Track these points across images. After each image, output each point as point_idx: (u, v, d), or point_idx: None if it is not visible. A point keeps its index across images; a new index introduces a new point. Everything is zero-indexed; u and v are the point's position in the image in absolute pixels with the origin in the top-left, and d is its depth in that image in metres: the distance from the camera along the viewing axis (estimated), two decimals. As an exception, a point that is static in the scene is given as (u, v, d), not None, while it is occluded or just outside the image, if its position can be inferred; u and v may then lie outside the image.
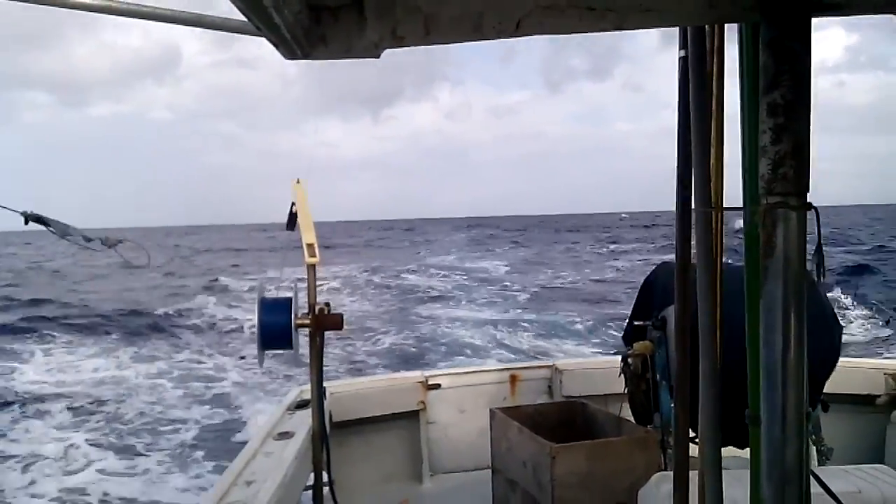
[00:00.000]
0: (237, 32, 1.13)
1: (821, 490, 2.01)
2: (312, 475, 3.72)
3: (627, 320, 4.10)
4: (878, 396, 5.14)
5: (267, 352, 3.36)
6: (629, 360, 3.88)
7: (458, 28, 1.08)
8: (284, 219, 3.46)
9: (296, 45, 1.05)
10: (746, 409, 1.29)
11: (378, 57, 1.15)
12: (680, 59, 1.39)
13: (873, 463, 3.59)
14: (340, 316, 3.41)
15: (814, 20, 1.05)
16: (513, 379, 5.24)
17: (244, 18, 1.02)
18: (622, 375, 3.99)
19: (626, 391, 4.02)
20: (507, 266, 37.10)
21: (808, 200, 1.10)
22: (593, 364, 5.39)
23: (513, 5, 1.06)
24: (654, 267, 4.16)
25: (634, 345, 3.87)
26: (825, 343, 3.60)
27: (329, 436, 3.89)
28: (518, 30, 1.08)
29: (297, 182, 3.60)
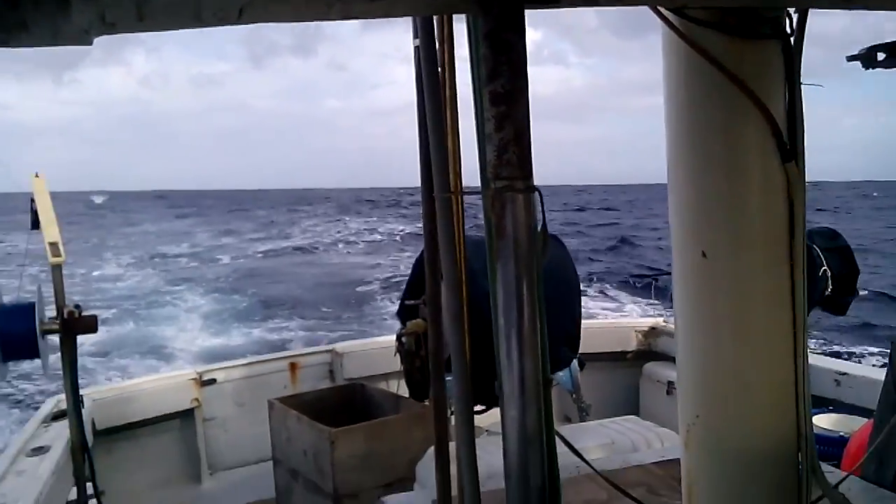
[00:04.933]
0: None
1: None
2: (75, 490, 3.44)
3: (400, 300, 4.19)
4: (630, 352, 5.70)
5: (10, 363, 3.04)
6: (403, 338, 3.97)
7: (175, 15, 1.02)
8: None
9: None
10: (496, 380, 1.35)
11: (90, 44, 1.06)
12: (415, 48, 1.42)
13: (630, 414, 3.97)
14: (94, 318, 3.15)
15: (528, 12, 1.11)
16: (292, 367, 5.17)
17: None
18: (398, 354, 4.08)
19: (402, 369, 4.12)
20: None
21: (533, 183, 1.17)
22: (372, 345, 5.45)
23: None
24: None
25: (408, 323, 3.97)
26: (572, 302, 3.93)
27: (93, 446, 3.61)
28: (241, 17, 1.04)
29: (37, 176, 3.27)
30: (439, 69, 1.36)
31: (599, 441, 3.25)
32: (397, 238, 35.15)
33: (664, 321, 5.75)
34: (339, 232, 39.70)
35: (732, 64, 1.43)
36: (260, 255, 30.42)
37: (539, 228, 1.21)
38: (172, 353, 13.48)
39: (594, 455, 2.82)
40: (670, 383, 5.06)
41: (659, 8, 1.48)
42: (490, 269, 1.28)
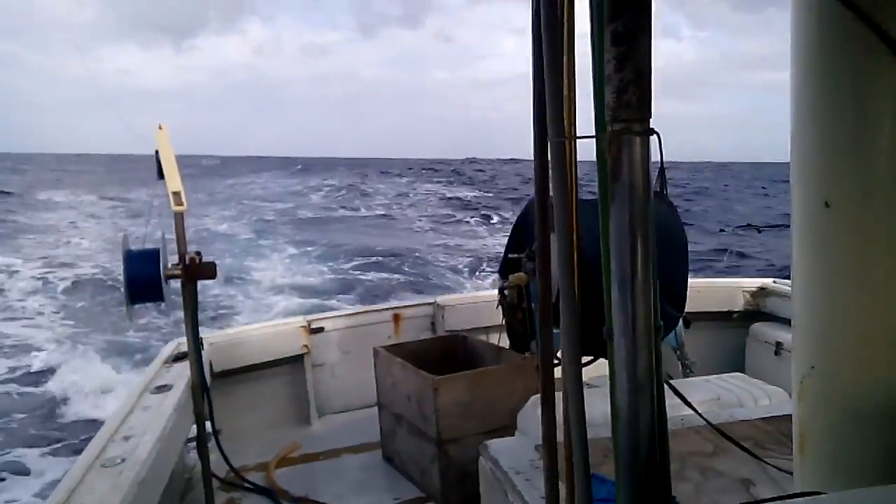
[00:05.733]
0: None
1: (679, 402, 2.16)
2: (195, 427, 3.67)
3: (503, 254, 4.22)
4: (737, 312, 5.58)
5: (136, 306, 3.25)
6: (505, 291, 4.01)
7: None
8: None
9: None
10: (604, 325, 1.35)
11: None
12: None
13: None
14: (213, 264, 3.32)
15: None
16: (396, 318, 5.30)
17: None
18: (500, 307, 4.12)
19: (503, 322, 4.17)
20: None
21: (651, 126, 1.15)
22: (474, 298, 5.52)
23: None
24: (527, 201, 4.28)
25: (510, 277, 4.00)
26: (679, 260, 3.84)
27: (211, 386, 3.83)
28: None
29: (160, 128, 3.44)
30: (557, 10, 1.35)
31: (705, 396, 3.21)
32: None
33: (774, 281, 5.60)
34: (411, 197, 42.58)
35: (867, 6, 1.36)
36: (338, 216, 32.64)
37: (658, 172, 1.20)
38: (261, 282, 16.58)
39: (699, 409, 2.79)
40: (779, 344, 4.94)
41: None
42: (602, 211, 1.27)
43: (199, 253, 3.31)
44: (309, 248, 21.63)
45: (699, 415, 2.04)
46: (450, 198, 40.55)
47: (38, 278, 16.83)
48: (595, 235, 1.31)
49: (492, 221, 30.08)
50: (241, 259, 19.26)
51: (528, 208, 4.17)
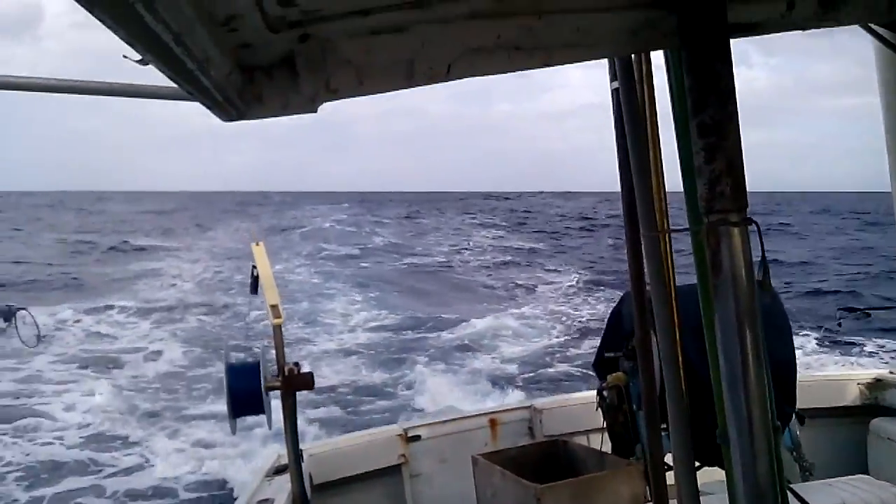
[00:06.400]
0: (171, 99, 1.13)
1: None
2: None
3: (597, 350, 4.11)
4: (855, 407, 5.20)
5: (238, 419, 3.30)
6: (604, 392, 3.88)
7: (391, 77, 1.09)
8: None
9: (230, 105, 1.06)
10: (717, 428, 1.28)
11: (315, 111, 1.16)
12: (613, 91, 1.42)
13: (857, 473, 3.61)
14: (311, 375, 3.36)
15: (733, 41, 1.08)
16: (492, 423, 5.19)
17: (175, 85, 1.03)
18: (599, 409, 3.98)
19: (604, 425, 4.02)
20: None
21: (748, 215, 1.12)
22: (572, 401, 5.37)
23: (442, 51, 1.08)
24: (620, 296, 4.19)
25: (608, 377, 3.88)
26: (786, 351, 3.65)
27: (311, 499, 3.80)
28: (449, 74, 1.10)
29: (258, 245, 3.59)
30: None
31: (828, 501, 2.97)
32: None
33: (891, 372, 5.21)
34: (468, 242, 42.55)
35: None
36: (405, 265, 33.04)
37: (760, 262, 1.15)
38: (333, 325, 18.00)
39: None
40: None
41: (870, 24, 1.39)
42: (704, 308, 1.23)
43: (297, 364, 3.37)
44: (371, 294, 22.97)
45: None
46: (505, 246, 40.32)
47: (156, 322, 18.58)
48: (694, 331, 1.26)
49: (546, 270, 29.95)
50: (315, 303, 21.00)
51: (622, 303, 4.07)
